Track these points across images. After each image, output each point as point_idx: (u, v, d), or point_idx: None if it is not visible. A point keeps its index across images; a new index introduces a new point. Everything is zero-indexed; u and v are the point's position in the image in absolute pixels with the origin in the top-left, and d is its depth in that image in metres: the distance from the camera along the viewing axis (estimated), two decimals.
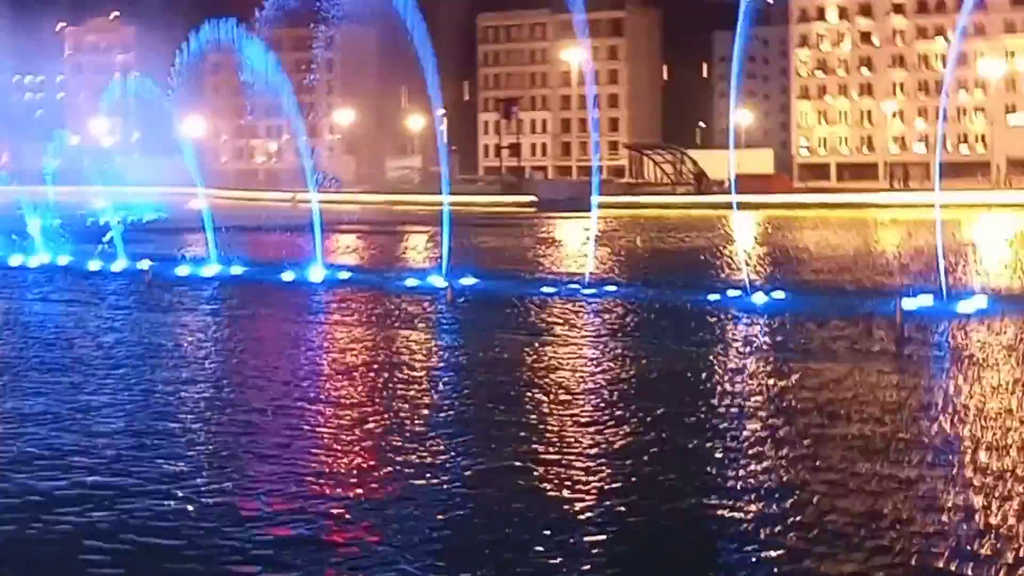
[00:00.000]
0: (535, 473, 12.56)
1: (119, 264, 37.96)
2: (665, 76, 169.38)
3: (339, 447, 13.73)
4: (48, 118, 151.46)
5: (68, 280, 33.85)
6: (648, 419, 15.18)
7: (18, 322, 24.67)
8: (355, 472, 12.68)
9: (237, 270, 36.27)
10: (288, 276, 33.97)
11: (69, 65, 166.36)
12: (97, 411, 15.56)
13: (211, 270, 36.30)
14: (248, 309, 27.58)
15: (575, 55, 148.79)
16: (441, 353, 21.37)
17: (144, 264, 35.75)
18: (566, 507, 11.31)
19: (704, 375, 18.52)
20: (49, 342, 21.70)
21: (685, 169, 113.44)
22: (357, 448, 13.78)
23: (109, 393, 16.88)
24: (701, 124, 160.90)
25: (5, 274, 35.29)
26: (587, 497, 11.67)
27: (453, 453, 13.44)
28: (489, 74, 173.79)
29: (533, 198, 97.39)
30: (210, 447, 13.79)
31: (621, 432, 14.49)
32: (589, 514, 11.17)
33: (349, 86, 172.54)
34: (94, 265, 37.71)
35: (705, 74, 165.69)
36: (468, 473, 12.61)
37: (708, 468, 12.94)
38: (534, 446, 13.75)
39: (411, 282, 31.83)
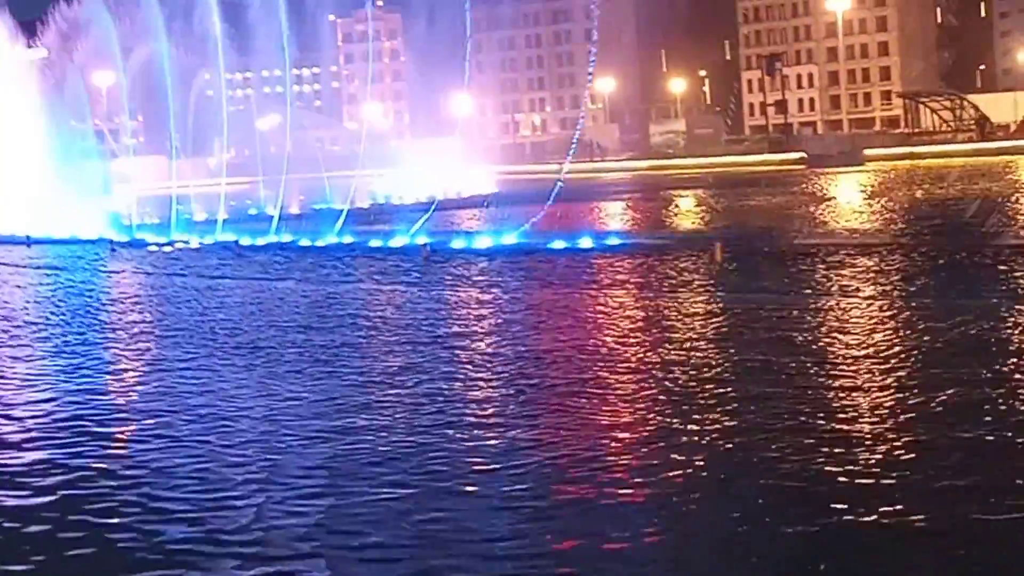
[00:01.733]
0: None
1: (398, 241, 39.54)
2: (939, 19, 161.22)
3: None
4: (325, 107, 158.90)
5: (361, 258, 35.31)
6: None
7: (332, 302, 25.65)
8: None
9: (512, 241, 37.13)
10: (560, 244, 34.51)
11: (342, 54, 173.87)
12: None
13: (486, 242, 37.35)
14: (534, 279, 28.06)
15: (840, 4, 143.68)
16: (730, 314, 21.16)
17: (421, 240, 37.11)
18: None
19: None
20: (371, 323, 22.44)
21: (965, 115, 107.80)
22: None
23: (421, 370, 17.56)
24: (981, 67, 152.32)
25: (302, 255, 37.25)
26: None
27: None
28: (750, 31, 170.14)
29: (802, 154, 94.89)
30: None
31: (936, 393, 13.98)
32: None
33: (608, 54, 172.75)
34: (375, 243, 39.49)
35: (983, 13, 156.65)
36: None
37: None
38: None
39: (680, 244, 31.75)
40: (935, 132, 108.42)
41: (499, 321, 21.78)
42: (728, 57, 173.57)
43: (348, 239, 39.08)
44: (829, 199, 55.75)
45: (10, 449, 13.24)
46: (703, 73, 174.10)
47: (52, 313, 25.93)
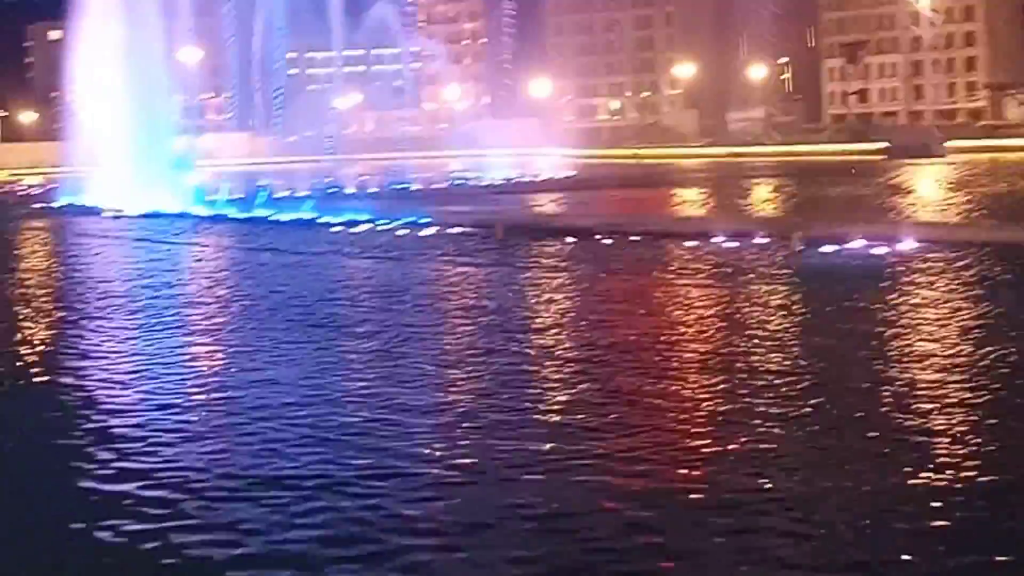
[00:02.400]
0: None
1: (474, 220, 39.87)
2: None
3: None
4: (405, 88, 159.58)
5: (438, 237, 35.74)
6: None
7: (409, 281, 25.97)
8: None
9: (585, 224, 37.35)
10: (633, 229, 34.62)
11: (423, 35, 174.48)
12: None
13: (559, 224, 37.68)
14: (610, 264, 28.23)
15: None
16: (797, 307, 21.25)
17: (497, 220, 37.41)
18: None
19: None
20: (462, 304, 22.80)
21: None
22: None
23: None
24: None
25: (379, 234, 37.75)
26: None
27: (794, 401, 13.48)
28: (832, 18, 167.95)
29: (883, 144, 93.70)
30: None
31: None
32: None
33: (688, 39, 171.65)
34: (451, 222, 39.89)
35: None
36: None
37: None
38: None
39: (755, 234, 31.68)
40: (1020, 125, 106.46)
41: (573, 304, 22.07)
42: (810, 45, 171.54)
43: (425, 218, 39.52)
44: (909, 191, 55.16)
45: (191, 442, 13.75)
46: (784, 60, 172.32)
47: (146, 286, 26.63)
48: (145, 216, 48.64)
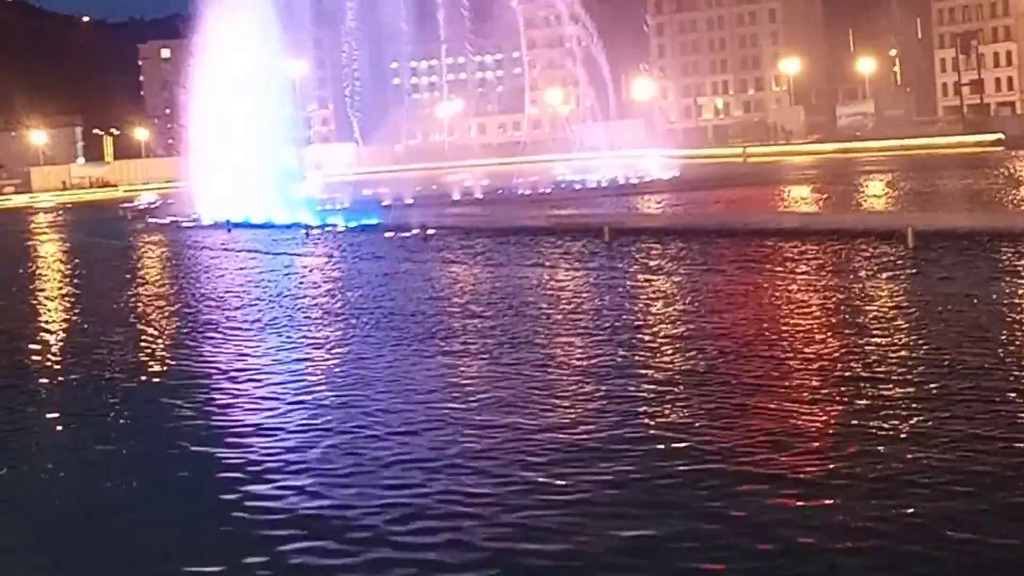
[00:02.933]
0: None
1: (579, 223, 39.80)
2: None
3: None
4: (508, 94, 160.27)
5: (544, 241, 35.72)
6: None
7: (515, 287, 25.96)
8: None
9: (693, 223, 37.05)
10: (744, 227, 34.23)
11: (525, 40, 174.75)
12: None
13: (666, 224, 37.42)
14: (720, 262, 27.95)
15: None
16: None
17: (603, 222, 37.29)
18: None
19: None
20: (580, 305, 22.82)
21: None
22: None
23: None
24: None
25: (484, 239, 37.82)
26: None
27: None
28: (943, 8, 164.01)
29: (1000, 135, 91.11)
30: None
31: None
32: None
33: (793, 34, 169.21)
34: (556, 225, 39.85)
35: None
36: None
37: None
38: None
39: (869, 227, 31.04)
40: None
41: (684, 306, 21.77)
42: (920, 35, 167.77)
43: (530, 222, 39.49)
44: None
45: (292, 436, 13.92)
46: (893, 52, 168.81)
47: (261, 296, 27.01)
48: (258, 227, 49.53)
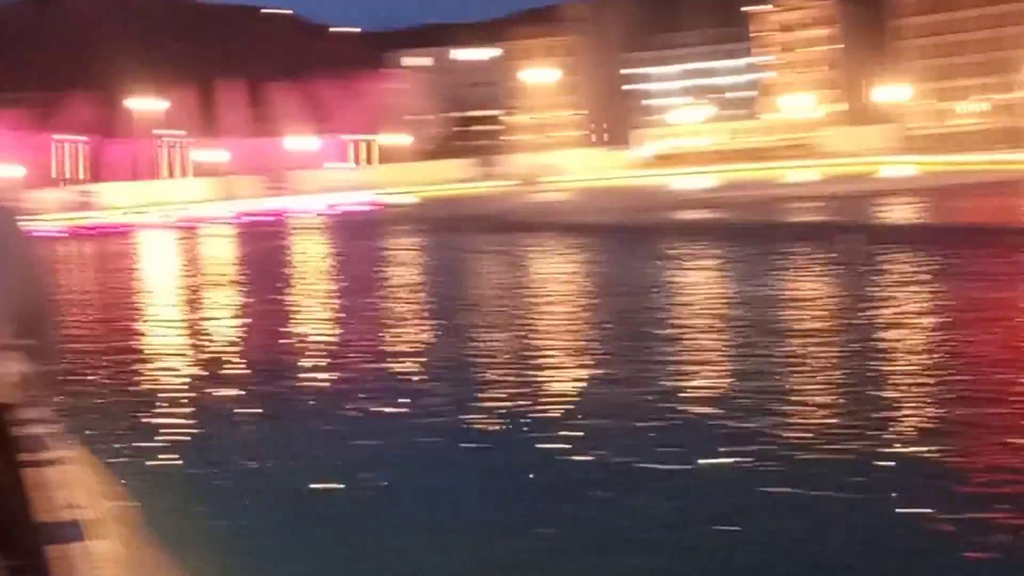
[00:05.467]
0: None
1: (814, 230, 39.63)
2: None
3: None
4: (753, 98, 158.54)
5: (787, 246, 36.07)
6: None
7: (752, 293, 26.14)
8: None
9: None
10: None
11: (772, 43, 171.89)
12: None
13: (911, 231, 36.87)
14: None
15: None
16: None
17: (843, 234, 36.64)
18: None
19: None
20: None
21: None
22: None
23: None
24: None
25: (726, 244, 38.30)
26: None
27: None
28: None
29: None
30: None
31: None
32: None
33: None
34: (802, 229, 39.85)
35: None
36: None
37: None
38: None
39: None
40: None
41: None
42: None
43: (764, 229, 39.56)
44: None
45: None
46: None
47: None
48: None
